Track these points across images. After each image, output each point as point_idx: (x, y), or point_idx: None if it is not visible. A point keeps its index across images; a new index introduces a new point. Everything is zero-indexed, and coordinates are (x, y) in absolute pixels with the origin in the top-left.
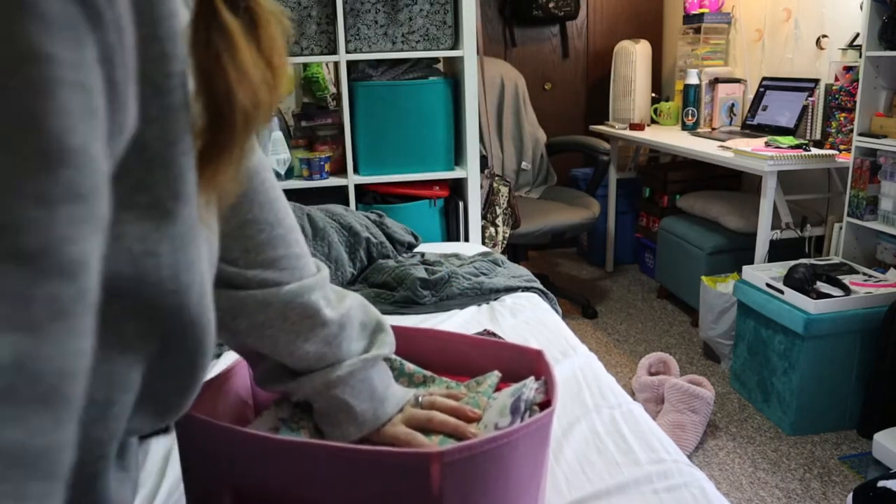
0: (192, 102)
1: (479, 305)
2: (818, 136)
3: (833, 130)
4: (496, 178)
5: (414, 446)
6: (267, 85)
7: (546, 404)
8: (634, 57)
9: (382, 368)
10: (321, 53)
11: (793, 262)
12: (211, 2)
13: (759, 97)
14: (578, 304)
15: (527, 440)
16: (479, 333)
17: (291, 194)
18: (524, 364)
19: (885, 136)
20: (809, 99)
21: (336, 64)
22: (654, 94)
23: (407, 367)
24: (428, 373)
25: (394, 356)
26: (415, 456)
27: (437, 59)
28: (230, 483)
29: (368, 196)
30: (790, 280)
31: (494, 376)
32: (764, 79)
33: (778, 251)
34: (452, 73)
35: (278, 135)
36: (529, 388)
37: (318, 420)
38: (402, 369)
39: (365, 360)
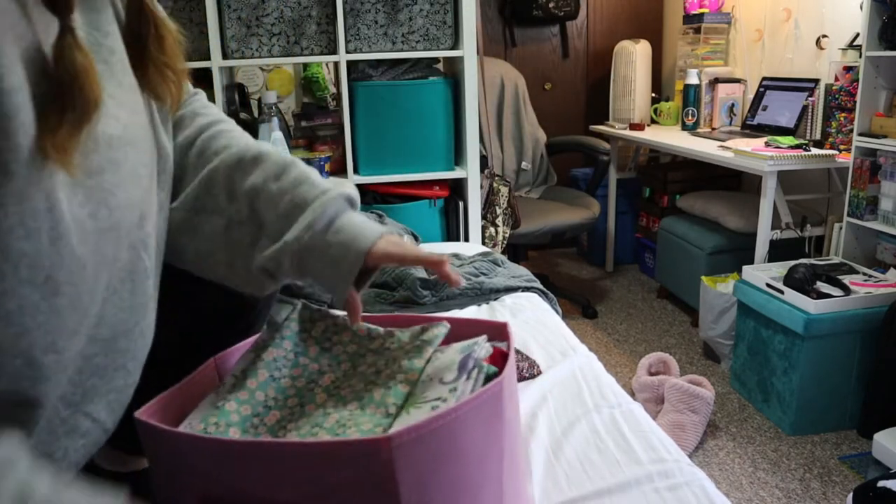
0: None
1: (479, 305)
2: (818, 136)
3: (833, 130)
4: (496, 178)
5: (408, 260)
6: (172, 82)
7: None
8: (634, 57)
9: (356, 214)
10: (321, 53)
11: (793, 262)
12: (66, 30)
13: (759, 97)
14: (578, 304)
15: (477, 413)
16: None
17: None
18: (493, 337)
19: (885, 136)
20: (809, 99)
21: (336, 64)
22: (654, 94)
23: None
24: (372, 326)
25: (336, 313)
26: (363, 443)
27: (437, 59)
28: (195, 492)
29: (368, 196)
30: (790, 280)
31: (443, 327)
32: (764, 79)
33: (778, 251)
34: (452, 73)
35: (278, 135)
36: (480, 346)
37: (315, 279)
38: (344, 323)
39: (332, 199)
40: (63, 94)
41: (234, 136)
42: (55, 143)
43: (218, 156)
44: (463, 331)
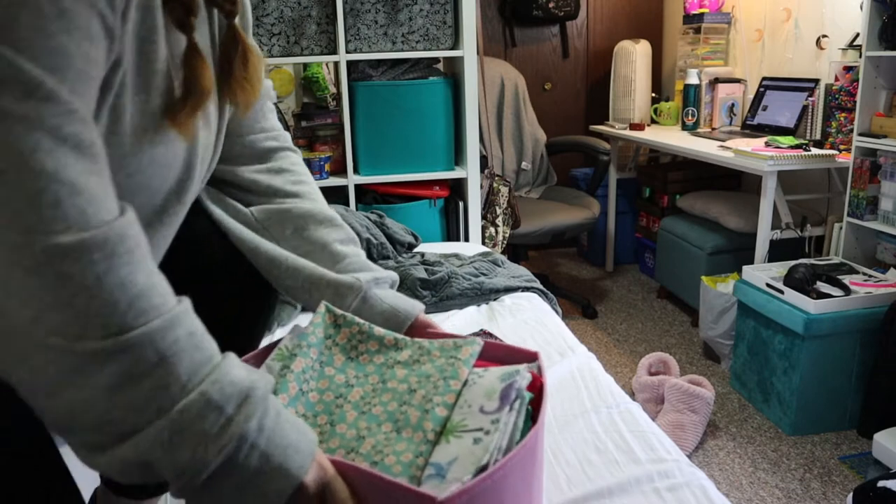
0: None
1: (479, 306)
2: (818, 136)
3: (833, 130)
4: (496, 178)
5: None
6: (248, 93)
7: (535, 408)
8: (634, 57)
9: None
10: (321, 53)
11: (793, 262)
12: (191, 44)
13: (759, 97)
14: (578, 304)
15: (518, 464)
16: (475, 334)
17: None
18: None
19: (885, 136)
20: (809, 99)
21: (336, 64)
22: (654, 94)
23: (376, 330)
24: (399, 335)
25: (360, 320)
26: (417, 495)
27: (437, 59)
28: None
29: (368, 196)
30: (790, 280)
31: (477, 344)
32: (764, 79)
33: (778, 251)
34: (452, 73)
35: None
36: (522, 375)
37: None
38: (370, 332)
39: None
40: (188, 86)
41: (314, 195)
42: (177, 118)
43: (297, 198)
44: (491, 354)
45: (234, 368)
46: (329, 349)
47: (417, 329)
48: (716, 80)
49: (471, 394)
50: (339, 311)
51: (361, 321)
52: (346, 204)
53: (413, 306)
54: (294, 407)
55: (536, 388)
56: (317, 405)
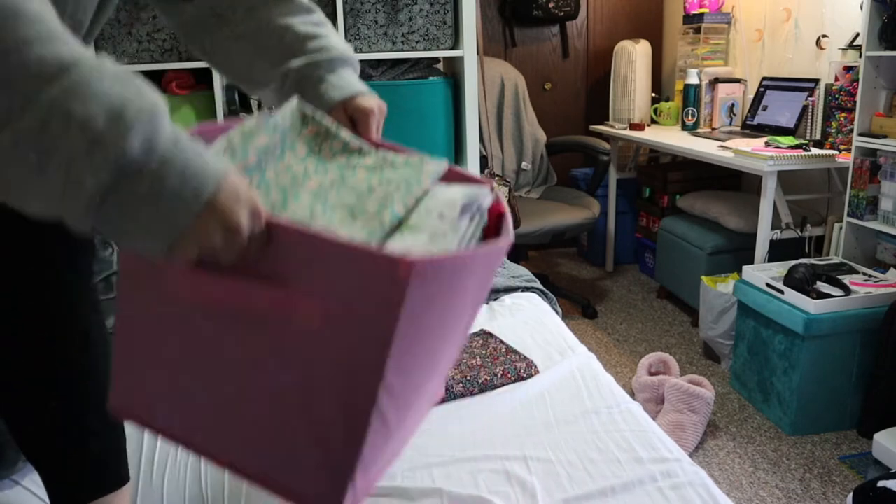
0: None
1: None
2: (818, 136)
3: (833, 130)
4: (496, 178)
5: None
6: None
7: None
8: (634, 57)
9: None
10: None
11: (793, 262)
12: None
13: (759, 97)
14: (578, 304)
15: (483, 262)
16: (474, 334)
17: None
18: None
19: (885, 136)
20: (809, 99)
21: None
22: (654, 94)
23: (343, 132)
24: (365, 143)
25: (329, 121)
26: (383, 258)
27: (437, 59)
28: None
29: None
30: (790, 280)
31: (443, 163)
32: (764, 79)
33: (778, 251)
34: (452, 73)
35: None
36: (485, 195)
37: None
38: (337, 133)
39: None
40: None
41: None
42: None
43: None
44: (450, 179)
45: (106, 78)
46: (293, 139)
47: (353, 113)
48: (716, 80)
49: (433, 201)
50: (309, 109)
51: (330, 122)
52: None
53: (335, 96)
54: (250, 176)
55: (494, 216)
56: (272, 182)
